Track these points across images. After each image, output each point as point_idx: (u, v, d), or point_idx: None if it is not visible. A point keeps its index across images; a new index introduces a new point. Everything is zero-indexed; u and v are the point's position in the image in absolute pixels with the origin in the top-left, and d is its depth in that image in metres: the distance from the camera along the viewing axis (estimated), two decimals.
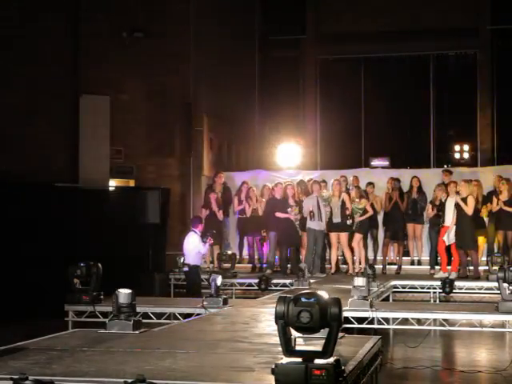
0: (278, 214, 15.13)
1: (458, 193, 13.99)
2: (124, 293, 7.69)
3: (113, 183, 17.48)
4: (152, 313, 9.91)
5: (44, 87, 14.99)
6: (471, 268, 14.21)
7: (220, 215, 15.98)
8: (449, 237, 14.08)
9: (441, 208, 14.51)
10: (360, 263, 14.96)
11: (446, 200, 14.33)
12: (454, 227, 13.93)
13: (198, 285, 12.78)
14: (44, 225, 13.24)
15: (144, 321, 8.39)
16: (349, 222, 14.81)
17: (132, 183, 18.02)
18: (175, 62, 17.97)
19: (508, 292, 8.95)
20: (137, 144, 17.74)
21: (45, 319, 10.61)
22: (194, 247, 12.76)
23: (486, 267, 14.21)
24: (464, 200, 13.81)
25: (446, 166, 21.14)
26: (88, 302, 9.94)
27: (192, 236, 12.92)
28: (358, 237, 15.05)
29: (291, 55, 25.38)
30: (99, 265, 10.16)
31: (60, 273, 10.60)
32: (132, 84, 17.67)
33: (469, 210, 13.92)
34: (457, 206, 13.91)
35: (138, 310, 8.66)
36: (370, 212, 15.12)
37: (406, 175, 16.84)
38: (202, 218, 14.29)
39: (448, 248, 14.33)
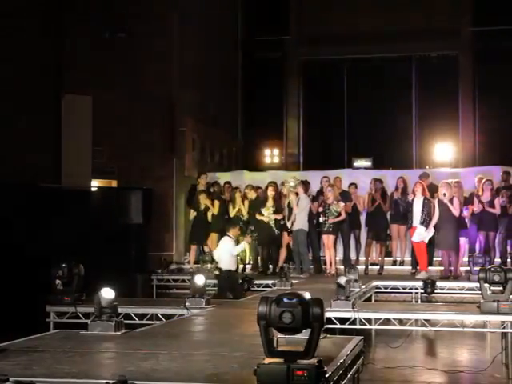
0: (258, 216, 15.33)
1: (444, 194, 14.04)
2: (106, 293, 7.67)
3: (95, 183, 17.42)
4: (134, 314, 9.87)
5: (26, 87, 14.90)
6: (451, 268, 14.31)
7: (209, 216, 16.07)
8: (420, 236, 14.08)
9: (408, 208, 14.48)
10: (331, 265, 15.01)
11: (412, 200, 14.34)
12: (420, 226, 13.99)
13: (227, 289, 12.56)
14: (26, 225, 13.15)
15: (126, 322, 8.35)
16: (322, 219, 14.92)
17: (114, 183, 17.96)
18: (158, 62, 17.93)
19: (489, 292, 9.00)
20: (119, 144, 17.68)
21: (26, 320, 10.54)
22: (225, 251, 12.91)
23: (468, 268, 14.30)
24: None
25: (427, 167, 21.22)
26: (70, 302, 9.91)
27: (225, 240, 13.13)
28: (325, 238, 15.08)
29: (274, 56, 25.39)
30: (81, 265, 10.13)
31: (42, 273, 10.55)
32: (115, 84, 17.58)
33: (455, 211, 14.00)
34: (442, 206, 13.96)
35: (120, 310, 8.64)
36: (343, 216, 15.07)
37: (388, 176, 16.91)
38: (236, 223, 14.50)
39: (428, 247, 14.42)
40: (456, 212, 14.00)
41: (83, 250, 12.90)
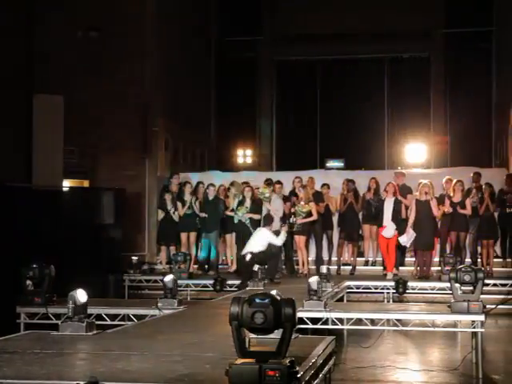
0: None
1: (426, 193, 14.14)
2: (77, 294, 7.62)
3: (67, 183, 17.30)
4: (106, 314, 9.82)
5: None
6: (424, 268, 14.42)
7: (176, 216, 16.02)
8: (391, 232, 14.17)
9: (379, 208, 14.53)
10: (303, 265, 15.05)
11: (384, 199, 14.42)
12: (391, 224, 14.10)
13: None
14: None
15: (97, 322, 8.30)
16: (292, 219, 14.94)
17: (86, 184, 17.86)
18: (131, 61, 17.86)
19: (460, 292, 9.07)
20: (91, 144, 17.59)
21: None
22: (262, 239, 13.37)
23: (439, 268, 14.41)
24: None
25: (399, 168, 21.36)
26: (40, 303, 9.83)
27: (262, 230, 13.61)
28: (297, 238, 15.12)
29: (247, 56, 25.43)
30: (52, 266, 10.04)
31: (12, 274, 10.45)
32: (87, 84, 17.48)
33: (435, 211, 14.12)
34: (421, 205, 14.05)
35: (92, 311, 8.59)
36: (314, 217, 15.08)
37: (360, 176, 16.98)
38: (273, 217, 14.53)
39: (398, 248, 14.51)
40: (436, 211, 14.13)
41: (54, 250, 12.80)
